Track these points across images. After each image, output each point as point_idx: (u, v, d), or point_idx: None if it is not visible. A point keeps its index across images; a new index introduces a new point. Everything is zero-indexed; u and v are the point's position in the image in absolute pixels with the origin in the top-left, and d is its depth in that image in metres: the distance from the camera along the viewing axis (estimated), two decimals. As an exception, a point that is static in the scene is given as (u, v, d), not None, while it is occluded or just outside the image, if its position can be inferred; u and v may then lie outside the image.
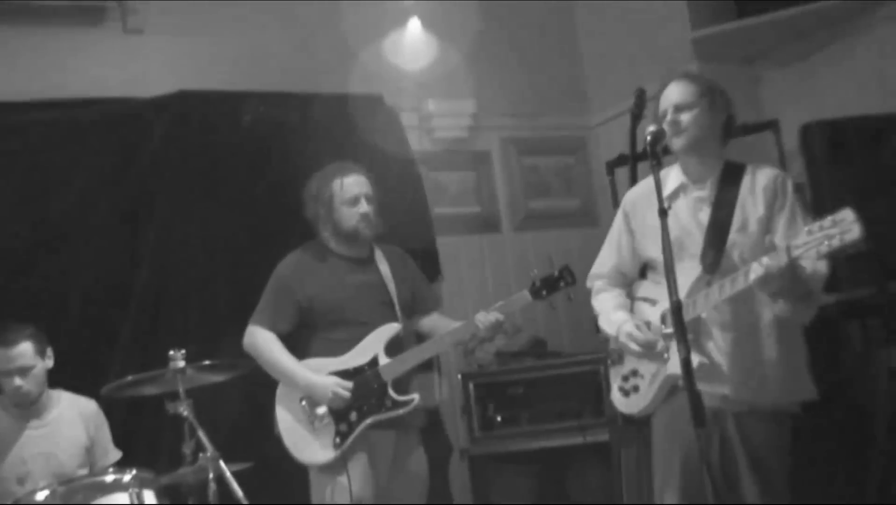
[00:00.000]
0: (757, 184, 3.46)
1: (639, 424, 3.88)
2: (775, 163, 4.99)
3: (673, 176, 3.58)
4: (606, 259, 3.79)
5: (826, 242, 2.94)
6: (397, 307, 4.21)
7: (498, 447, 5.14)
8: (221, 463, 3.45)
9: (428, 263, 5.52)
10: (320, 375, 4.05)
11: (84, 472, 4.17)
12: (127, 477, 3.48)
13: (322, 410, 4.03)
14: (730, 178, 3.49)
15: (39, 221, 4.80)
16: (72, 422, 4.22)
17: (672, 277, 2.99)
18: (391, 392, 4.06)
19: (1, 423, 4.09)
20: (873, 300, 4.37)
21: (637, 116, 4.55)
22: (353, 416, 4.03)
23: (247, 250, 4.95)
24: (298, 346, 4.14)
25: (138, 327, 4.78)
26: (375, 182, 4.29)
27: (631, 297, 3.74)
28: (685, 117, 3.43)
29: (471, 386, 5.23)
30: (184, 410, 3.56)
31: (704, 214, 3.48)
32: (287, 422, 4.06)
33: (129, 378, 3.63)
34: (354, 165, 4.30)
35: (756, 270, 3.13)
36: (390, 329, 4.14)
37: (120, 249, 4.92)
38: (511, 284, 5.81)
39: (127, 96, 5.07)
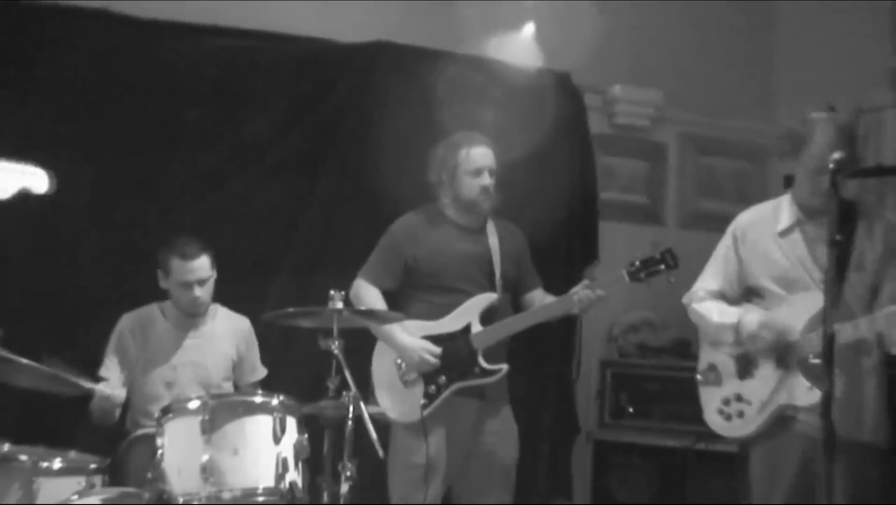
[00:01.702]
0: (874, 229, 3.55)
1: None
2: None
3: (787, 210, 3.65)
4: (711, 281, 3.82)
5: None
6: (498, 280, 4.27)
7: (624, 437, 5.23)
8: (362, 403, 3.56)
9: (587, 244, 5.57)
10: (414, 336, 4.15)
11: (229, 385, 4.40)
12: (275, 401, 3.59)
13: (413, 371, 4.14)
14: (846, 216, 3.50)
15: (224, 147, 5.00)
16: (224, 336, 4.42)
17: (828, 304, 3.01)
18: (481, 360, 4.14)
19: (159, 329, 4.33)
20: None
21: (825, 134, 4.47)
22: (442, 379, 4.12)
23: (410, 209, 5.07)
24: (399, 304, 4.24)
25: (300, 263, 4.96)
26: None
27: None
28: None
29: (608, 373, 5.33)
30: (335, 347, 3.65)
31: (821, 250, 3.50)
32: (381, 377, 4.17)
33: (291, 309, 3.75)
34: (482, 137, 4.33)
35: None
36: (487, 298, 4.21)
37: (296, 186, 5.08)
38: (664, 278, 5.82)
39: (323, 37, 5.20)
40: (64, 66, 4.79)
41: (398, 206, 4.50)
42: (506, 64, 5.47)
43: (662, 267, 4.07)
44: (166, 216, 4.81)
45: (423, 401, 4.10)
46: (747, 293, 3.76)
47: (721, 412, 3.71)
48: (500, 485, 4.24)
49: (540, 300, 4.38)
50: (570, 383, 5.47)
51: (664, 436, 5.11)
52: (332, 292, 3.87)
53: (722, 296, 3.79)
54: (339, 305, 3.76)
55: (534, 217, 5.29)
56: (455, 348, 4.15)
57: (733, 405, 3.67)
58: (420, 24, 5.39)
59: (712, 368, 3.76)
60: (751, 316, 3.59)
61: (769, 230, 3.67)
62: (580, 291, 4.08)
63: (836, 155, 3.21)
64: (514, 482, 4.29)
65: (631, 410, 5.22)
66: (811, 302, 3.46)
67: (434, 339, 4.16)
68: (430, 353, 4.11)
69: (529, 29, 5.52)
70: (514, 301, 4.39)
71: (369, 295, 4.20)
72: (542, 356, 5.31)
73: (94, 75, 4.83)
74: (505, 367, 4.18)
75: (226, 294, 4.49)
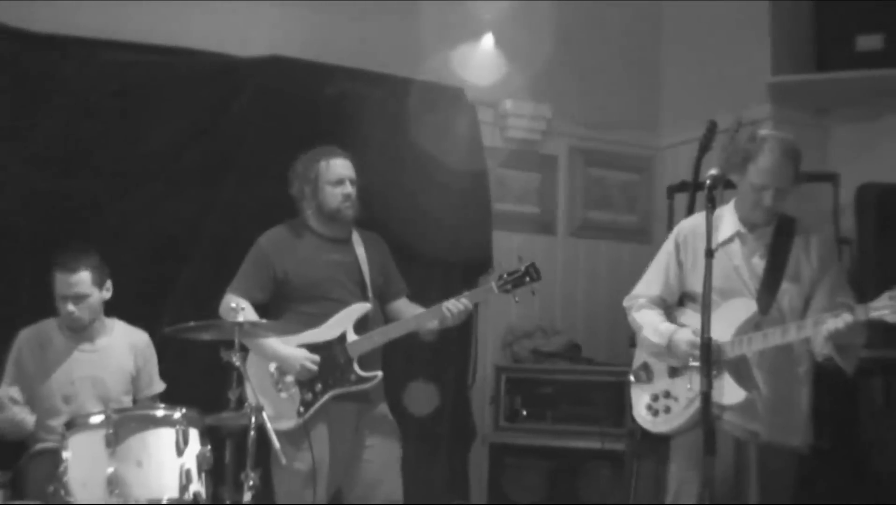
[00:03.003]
0: (811, 244, 3.69)
1: (655, 440, 4.01)
2: (829, 214, 5.12)
3: (729, 220, 3.76)
4: (653, 286, 3.92)
5: None
6: (369, 288, 4.39)
7: (519, 439, 5.35)
8: (264, 414, 3.64)
9: (482, 254, 5.67)
10: (290, 346, 4.23)
11: (128, 399, 4.39)
12: (177, 414, 3.67)
13: (290, 379, 4.21)
14: (784, 230, 3.70)
15: (124, 161, 4.97)
16: (122, 350, 4.41)
17: (707, 315, 3.20)
18: (356, 367, 4.25)
19: (56, 343, 4.30)
20: (899, 361, 4.53)
21: (705, 147, 4.63)
22: (319, 387, 4.22)
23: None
24: (272, 316, 4.29)
25: (200, 275, 4.94)
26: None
27: (671, 321, 3.87)
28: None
29: (503, 378, 5.45)
30: (236, 359, 3.73)
31: (757, 260, 3.68)
32: (256, 388, 4.06)
33: (192, 323, 3.80)
34: (340, 150, 4.47)
35: (829, 325, 3.33)
36: (361, 308, 4.33)
37: (196, 200, 5.08)
38: (557, 286, 6.00)
39: (222, 52, 5.23)
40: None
41: (295, 217, 4.57)
42: (401, 79, 5.56)
43: (527, 279, 4.33)
44: (65, 231, 4.76)
45: (300, 409, 4.17)
46: (685, 298, 3.89)
47: (650, 408, 3.82)
48: (391, 478, 4.36)
49: (405, 309, 4.52)
50: (467, 389, 5.59)
51: (557, 437, 5.26)
52: (232, 305, 3.95)
53: (662, 301, 3.90)
54: (241, 318, 3.85)
55: (430, 228, 5.44)
56: (331, 356, 4.24)
57: (661, 401, 3.78)
58: (318, 39, 5.45)
59: (644, 366, 3.88)
60: (680, 335, 3.70)
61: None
62: (449, 303, 4.28)
63: (713, 171, 3.36)
64: (401, 476, 4.41)
65: (525, 413, 5.35)
66: (740, 308, 3.62)
67: (310, 347, 4.24)
68: (310, 360, 4.20)
69: (435, 45, 5.62)
70: (381, 309, 4.52)
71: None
72: (440, 364, 5.44)
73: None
74: (380, 373, 4.30)
75: (125, 309, 4.50)
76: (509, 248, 5.80)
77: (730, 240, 3.73)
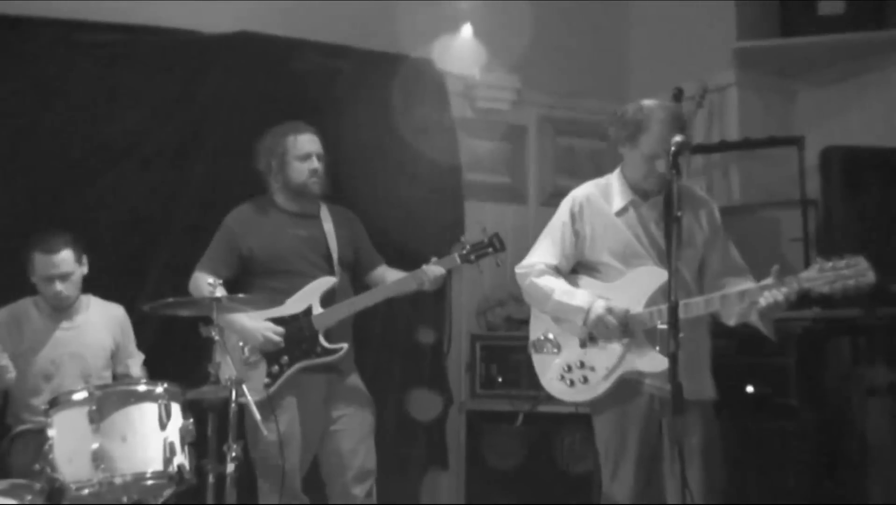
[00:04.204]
0: (699, 210, 3.82)
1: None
2: (795, 177, 5.21)
3: (619, 190, 3.83)
4: (549, 256, 3.91)
5: (841, 282, 3.31)
6: (336, 262, 4.43)
7: (495, 406, 5.40)
8: (244, 387, 3.70)
9: (453, 224, 5.69)
10: (256, 320, 4.28)
11: (108, 374, 4.47)
12: (159, 389, 3.75)
13: (256, 352, 4.28)
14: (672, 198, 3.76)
15: (97, 140, 5.00)
16: (99, 325, 4.49)
17: (672, 279, 3.27)
18: (322, 340, 4.31)
19: (34, 322, 4.38)
20: (863, 321, 4.60)
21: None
22: (285, 359, 4.27)
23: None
24: (240, 292, 4.30)
25: (175, 253, 4.96)
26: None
27: None
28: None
29: (478, 346, 5.51)
30: (215, 334, 3.80)
31: (654, 227, 3.76)
32: (225, 362, 4.01)
33: (171, 300, 3.85)
34: (307, 126, 4.51)
35: (767, 297, 3.45)
36: (326, 282, 4.38)
37: (170, 177, 5.12)
38: (492, 260, 6.05)
39: (190, 29, 5.25)
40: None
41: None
42: (370, 51, 5.58)
43: (490, 250, 4.39)
44: (38, 211, 4.80)
45: (266, 380, 4.24)
46: (579, 267, 3.92)
47: (563, 378, 3.84)
48: (363, 447, 4.41)
49: (386, 275, 4.57)
50: (443, 357, 5.67)
51: (531, 403, 5.27)
52: (210, 281, 4.00)
53: (557, 270, 3.91)
54: (218, 293, 3.89)
55: (402, 199, 5.48)
56: (297, 329, 4.30)
57: (576, 372, 3.81)
58: (286, 15, 5.45)
59: (547, 337, 3.91)
60: (599, 302, 3.71)
61: (605, 208, 3.84)
62: (427, 267, 4.32)
63: (678, 138, 3.43)
64: (374, 446, 4.47)
65: (500, 379, 5.42)
66: (650, 276, 3.70)
67: (276, 321, 4.30)
68: (274, 332, 4.26)
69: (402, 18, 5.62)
70: (355, 281, 4.56)
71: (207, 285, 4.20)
72: (416, 334, 5.52)
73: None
74: (345, 345, 4.34)
75: (102, 286, 4.56)
76: (482, 218, 5.77)
77: (624, 209, 3.81)
